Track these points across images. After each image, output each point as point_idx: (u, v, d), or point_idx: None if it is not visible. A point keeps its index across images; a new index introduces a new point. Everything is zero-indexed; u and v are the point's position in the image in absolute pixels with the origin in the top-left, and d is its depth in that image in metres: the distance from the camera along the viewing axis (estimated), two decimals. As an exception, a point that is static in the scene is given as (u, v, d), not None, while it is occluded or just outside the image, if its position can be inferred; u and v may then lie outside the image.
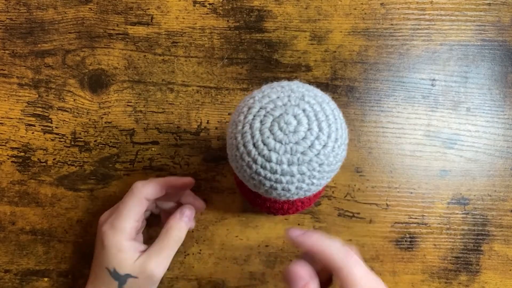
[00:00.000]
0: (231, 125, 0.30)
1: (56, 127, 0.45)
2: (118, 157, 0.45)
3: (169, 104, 0.45)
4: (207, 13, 0.45)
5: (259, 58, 0.45)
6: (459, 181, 0.45)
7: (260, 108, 0.28)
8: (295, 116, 0.28)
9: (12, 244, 0.45)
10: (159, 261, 0.38)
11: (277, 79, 0.45)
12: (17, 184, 0.45)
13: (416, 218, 0.45)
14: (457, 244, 0.45)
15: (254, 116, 0.28)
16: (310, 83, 0.44)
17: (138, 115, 0.45)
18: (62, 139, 0.45)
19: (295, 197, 0.32)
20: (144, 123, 0.45)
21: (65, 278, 0.45)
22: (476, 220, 0.45)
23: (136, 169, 0.45)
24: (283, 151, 0.28)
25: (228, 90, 0.45)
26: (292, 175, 0.28)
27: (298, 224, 0.44)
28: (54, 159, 0.45)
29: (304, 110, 0.28)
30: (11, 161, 0.45)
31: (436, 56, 0.45)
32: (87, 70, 0.45)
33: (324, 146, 0.28)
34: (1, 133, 0.45)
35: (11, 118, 0.45)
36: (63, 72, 0.45)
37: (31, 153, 0.45)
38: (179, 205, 0.42)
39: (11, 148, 0.45)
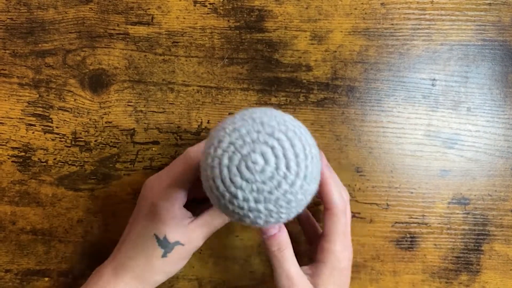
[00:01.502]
0: (203, 154, 0.30)
1: (56, 127, 0.45)
2: (118, 157, 0.45)
3: (170, 104, 0.45)
4: (207, 13, 0.45)
5: (260, 58, 0.45)
6: (459, 181, 0.45)
7: (229, 143, 0.28)
8: (262, 155, 0.27)
9: (13, 244, 0.45)
10: (205, 232, 0.38)
11: (278, 79, 0.45)
12: (17, 184, 0.45)
13: (416, 218, 0.45)
14: (458, 244, 0.45)
15: (223, 151, 0.28)
16: (310, 83, 0.45)
17: (139, 115, 0.45)
18: (62, 139, 0.45)
19: (267, 226, 0.32)
20: (145, 123, 0.45)
21: (65, 278, 0.45)
22: (476, 220, 0.45)
23: (137, 169, 0.45)
24: (249, 189, 0.27)
25: (228, 90, 0.45)
26: (259, 212, 0.28)
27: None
28: (54, 159, 0.45)
29: (272, 148, 0.27)
30: (12, 161, 0.45)
31: (437, 56, 0.45)
32: (87, 70, 0.45)
33: (292, 185, 0.28)
34: (2, 133, 0.45)
35: (12, 118, 0.45)
36: (63, 72, 0.45)
37: (32, 153, 0.45)
38: None
39: (11, 148, 0.45)
